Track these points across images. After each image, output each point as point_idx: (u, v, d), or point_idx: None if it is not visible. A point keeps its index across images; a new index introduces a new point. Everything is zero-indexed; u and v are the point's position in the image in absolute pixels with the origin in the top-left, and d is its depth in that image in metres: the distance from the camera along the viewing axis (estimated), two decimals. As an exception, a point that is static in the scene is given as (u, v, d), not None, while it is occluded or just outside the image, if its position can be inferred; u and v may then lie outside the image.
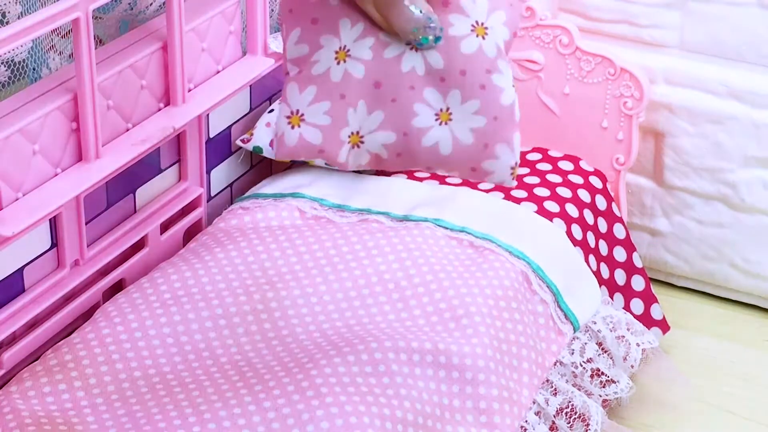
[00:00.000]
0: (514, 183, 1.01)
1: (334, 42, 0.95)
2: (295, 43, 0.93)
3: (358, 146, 0.96)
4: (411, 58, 0.94)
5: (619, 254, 1.34)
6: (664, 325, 1.36)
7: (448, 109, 0.95)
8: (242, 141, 1.24)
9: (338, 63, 0.96)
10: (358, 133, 0.95)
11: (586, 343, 1.19)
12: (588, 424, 1.13)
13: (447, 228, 1.16)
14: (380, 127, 0.94)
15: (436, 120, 0.94)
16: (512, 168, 1.00)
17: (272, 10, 1.30)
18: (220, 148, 1.27)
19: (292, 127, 0.92)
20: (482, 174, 1.00)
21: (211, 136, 1.24)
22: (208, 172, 1.25)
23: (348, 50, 0.96)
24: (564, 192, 1.32)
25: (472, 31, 0.94)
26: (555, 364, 1.14)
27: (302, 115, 0.94)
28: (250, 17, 1.24)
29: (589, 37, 1.39)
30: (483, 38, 0.95)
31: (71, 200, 1.05)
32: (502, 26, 0.98)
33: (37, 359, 1.03)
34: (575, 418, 1.13)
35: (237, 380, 0.97)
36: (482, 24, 0.95)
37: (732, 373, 1.36)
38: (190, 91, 1.17)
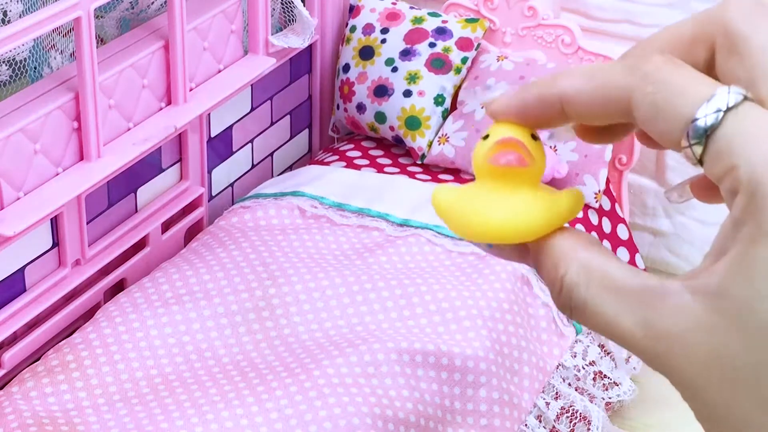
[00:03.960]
0: (597, 205, 1.28)
1: (480, 93, 1.31)
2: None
3: None
4: None
5: (623, 255, 1.34)
6: (665, 326, 1.36)
7: (555, 146, 1.28)
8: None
9: (482, 107, 1.26)
10: None
11: (588, 346, 1.18)
12: (589, 429, 1.13)
13: (447, 236, 1.16)
14: None
15: (548, 149, 1.28)
16: (596, 194, 1.27)
17: (273, 9, 1.30)
18: (221, 147, 1.26)
19: (439, 144, 1.28)
20: None
21: (213, 135, 1.24)
22: (210, 172, 1.25)
23: None
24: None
25: None
26: (557, 368, 1.14)
27: (448, 136, 1.29)
28: (251, 16, 1.24)
29: (591, 36, 1.39)
30: None
31: (72, 200, 1.04)
32: None
33: (38, 359, 1.03)
34: (576, 422, 1.13)
35: (239, 380, 0.97)
36: None
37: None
38: (191, 90, 1.17)
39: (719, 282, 0.48)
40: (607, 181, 1.37)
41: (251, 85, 1.27)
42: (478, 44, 1.37)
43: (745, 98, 0.48)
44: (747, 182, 0.47)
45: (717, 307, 0.47)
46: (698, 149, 0.48)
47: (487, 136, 0.48)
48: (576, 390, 1.15)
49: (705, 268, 0.48)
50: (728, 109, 0.47)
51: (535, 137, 0.53)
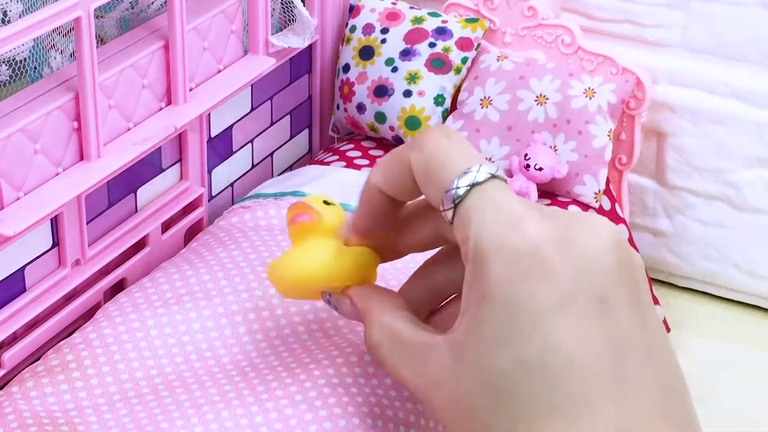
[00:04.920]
0: (597, 205, 1.30)
1: (480, 92, 1.32)
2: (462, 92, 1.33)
3: None
4: (535, 111, 1.27)
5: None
6: (664, 327, 1.36)
7: (555, 146, 1.28)
8: None
9: (482, 107, 1.31)
10: (490, 158, 1.30)
11: (588, 344, 1.18)
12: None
13: None
14: (505, 156, 1.28)
15: (548, 149, 1.28)
16: (596, 194, 1.29)
17: (273, 9, 1.30)
18: (221, 147, 1.26)
19: None
20: (574, 195, 1.29)
21: (213, 135, 1.24)
22: (210, 172, 1.25)
23: (491, 99, 1.30)
24: (566, 192, 1.32)
25: (584, 93, 1.28)
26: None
27: None
28: (251, 16, 1.24)
29: (591, 36, 1.39)
30: (590, 99, 1.27)
31: (72, 200, 1.04)
32: (610, 93, 1.29)
33: (38, 359, 1.03)
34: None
35: (239, 381, 0.97)
36: (592, 89, 1.29)
37: (733, 374, 1.36)
38: (191, 90, 1.17)
39: (461, 336, 0.52)
40: (607, 181, 1.37)
41: (251, 85, 1.28)
42: (478, 44, 1.37)
43: (493, 176, 0.54)
44: (472, 253, 0.51)
45: (460, 358, 0.51)
46: (449, 214, 0.52)
47: None
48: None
49: (457, 323, 0.52)
50: (474, 185, 0.53)
51: (327, 203, 0.65)
